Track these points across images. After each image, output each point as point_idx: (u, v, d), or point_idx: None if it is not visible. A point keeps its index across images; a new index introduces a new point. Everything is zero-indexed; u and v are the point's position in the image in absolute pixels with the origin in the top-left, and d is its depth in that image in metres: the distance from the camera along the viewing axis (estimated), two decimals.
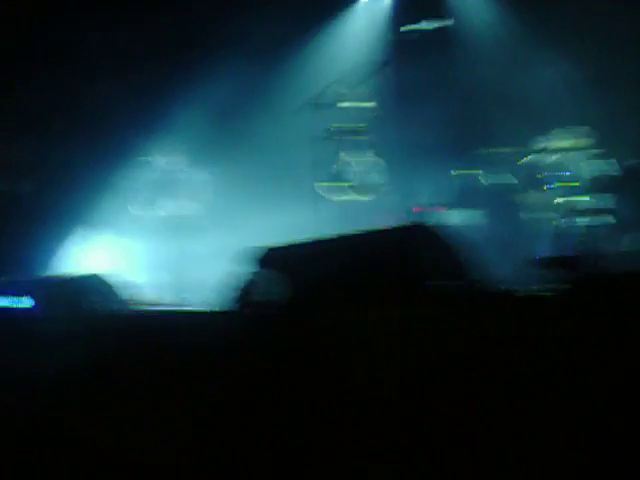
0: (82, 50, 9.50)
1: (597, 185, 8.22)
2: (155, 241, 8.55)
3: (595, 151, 8.43)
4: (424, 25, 6.45)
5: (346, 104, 6.75)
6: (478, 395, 2.97)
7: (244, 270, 4.34)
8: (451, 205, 8.88)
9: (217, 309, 4.91)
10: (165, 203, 8.56)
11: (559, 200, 8.26)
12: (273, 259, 4.67)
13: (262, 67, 10.07)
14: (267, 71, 10.16)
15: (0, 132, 9.80)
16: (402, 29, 6.46)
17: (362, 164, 7.02)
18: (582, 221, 7.97)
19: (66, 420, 4.94)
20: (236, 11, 9.55)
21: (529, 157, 8.66)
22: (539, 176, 8.46)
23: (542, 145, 8.57)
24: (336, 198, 6.76)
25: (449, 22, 6.49)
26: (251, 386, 3.85)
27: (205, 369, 4.19)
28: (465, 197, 8.80)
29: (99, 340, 5.17)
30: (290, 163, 9.22)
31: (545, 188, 8.32)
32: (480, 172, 8.90)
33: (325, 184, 6.34)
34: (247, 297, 4.22)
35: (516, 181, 8.75)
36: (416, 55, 8.45)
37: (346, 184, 6.94)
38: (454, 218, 8.78)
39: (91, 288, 6.17)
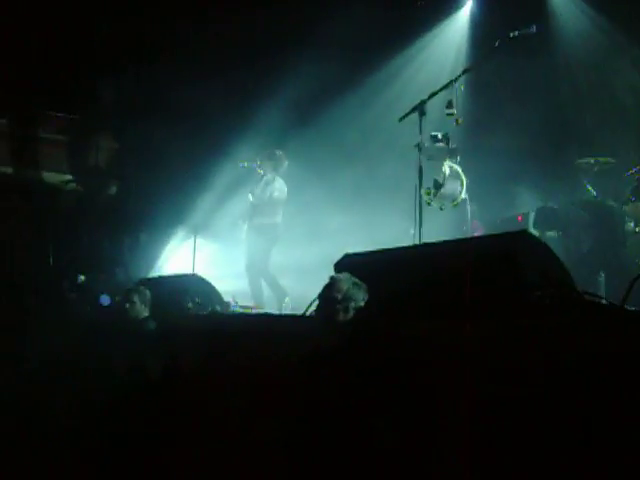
0: (170, 52, 9.70)
1: None
2: (253, 247, 8.57)
3: None
4: (511, 34, 6.33)
5: (447, 112, 6.68)
6: (586, 412, 2.90)
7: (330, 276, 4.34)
8: (552, 216, 8.68)
9: (302, 314, 4.94)
10: (262, 209, 8.55)
11: None
12: (349, 264, 4.66)
13: (357, 76, 10.15)
14: (361, 81, 10.24)
15: (93, 136, 10.17)
16: (497, 40, 6.34)
17: (456, 172, 6.93)
18: None
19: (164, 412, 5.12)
20: (334, 22, 9.61)
21: (635, 168, 8.36)
22: None
23: None
24: (437, 206, 6.69)
25: (532, 30, 6.34)
26: (327, 390, 3.88)
27: (284, 372, 4.26)
28: (553, 219, 8.56)
29: (200, 339, 5.32)
30: (389, 171, 9.24)
31: None
32: (584, 182, 8.67)
33: (426, 192, 6.29)
34: (325, 299, 4.20)
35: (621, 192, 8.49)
36: (510, 62, 8.34)
37: (443, 192, 6.85)
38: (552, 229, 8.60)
39: (193, 287, 6.32)
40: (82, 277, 8.44)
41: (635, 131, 8.92)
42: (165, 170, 9.73)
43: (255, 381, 4.60)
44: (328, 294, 4.13)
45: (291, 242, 8.84)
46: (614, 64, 9.43)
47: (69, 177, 10.01)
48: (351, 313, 4.07)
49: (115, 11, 9.47)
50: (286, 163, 8.63)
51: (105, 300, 7.43)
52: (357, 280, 4.15)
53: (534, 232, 8.53)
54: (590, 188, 8.53)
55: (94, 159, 10.25)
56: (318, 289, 4.28)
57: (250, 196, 8.55)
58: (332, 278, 4.20)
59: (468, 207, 7.10)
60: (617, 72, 9.42)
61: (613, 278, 7.12)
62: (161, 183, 9.63)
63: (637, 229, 8.08)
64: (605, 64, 9.50)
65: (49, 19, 9.19)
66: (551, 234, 8.50)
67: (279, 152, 8.67)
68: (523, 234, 4.10)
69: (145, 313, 6.05)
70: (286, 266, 8.62)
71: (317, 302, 4.29)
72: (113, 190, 10.19)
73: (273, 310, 7.78)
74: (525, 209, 9.15)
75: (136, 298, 6.06)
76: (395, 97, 9.66)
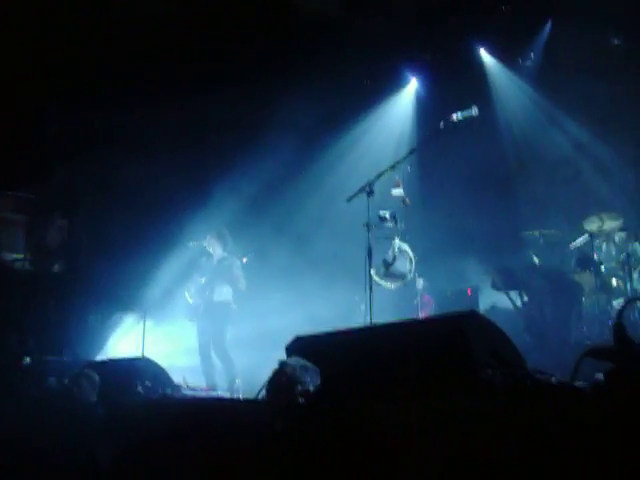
0: (122, 129, 9.75)
1: None
2: (208, 326, 8.49)
3: None
4: (455, 116, 6.52)
5: (393, 192, 6.83)
6: None
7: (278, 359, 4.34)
8: (500, 287, 8.80)
9: (252, 398, 4.89)
10: (215, 288, 8.52)
11: (614, 283, 8.11)
12: (300, 347, 4.65)
13: (306, 156, 10.34)
14: (310, 160, 10.43)
15: (38, 214, 10.09)
16: (441, 122, 6.52)
17: (405, 250, 7.02)
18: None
19: None
20: (279, 103, 9.81)
21: (580, 239, 8.57)
22: (592, 258, 8.32)
23: (593, 226, 8.46)
24: (385, 284, 6.75)
25: (474, 113, 6.55)
26: (275, 475, 3.83)
27: (235, 457, 4.19)
28: (515, 279, 8.68)
29: (151, 424, 5.21)
30: (337, 251, 9.34)
31: (598, 270, 8.14)
32: (529, 254, 8.83)
33: (373, 271, 6.35)
34: (274, 385, 4.19)
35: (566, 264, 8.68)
36: (453, 141, 8.54)
37: (393, 270, 6.92)
38: (503, 301, 8.71)
39: (143, 371, 6.21)
40: (27, 359, 8.22)
41: (578, 203, 9.18)
42: (114, 250, 9.66)
43: (207, 467, 4.51)
44: (277, 379, 4.12)
45: (242, 318, 8.81)
46: (549, 135, 9.79)
47: (19, 255, 9.88)
48: (299, 397, 4.05)
49: (67, 95, 9.53)
50: (231, 239, 8.68)
51: (52, 383, 7.25)
52: (307, 363, 4.14)
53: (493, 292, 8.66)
54: (536, 259, 8.70)
55: (42, 238, 10.14)
56: (268, 369, 4.27)
57: (204, 272, 8.54)
58: (281, 363, 4.19)
59: (418, 283, 7.20)
60: (553, 143, 9.78)
61: (558, 351, 7.21)
62: (110, 263, 9.54)
63: (583, 299, 8.24)
64: (543, 136, 9.87)
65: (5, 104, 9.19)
66: (513, 295, 8.57)
67: (225, 230, 8.72)
68: (472, 313, 4.14)
69: (93, 398, 5.90)
70: (237, 341, 8.55)
71: (267, 384, 4.27)
72: (60, 269, 10.05)
73: (224, 391, 7.68)
74: (474, 281, 9.30)
75: (84, 382, 5.92)
76: (343, 177, 9.85)
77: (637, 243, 8.24)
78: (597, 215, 8.48)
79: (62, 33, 9.20)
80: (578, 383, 3.82)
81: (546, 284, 8.34)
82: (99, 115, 9.61)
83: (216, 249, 8.59)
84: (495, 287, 8.77)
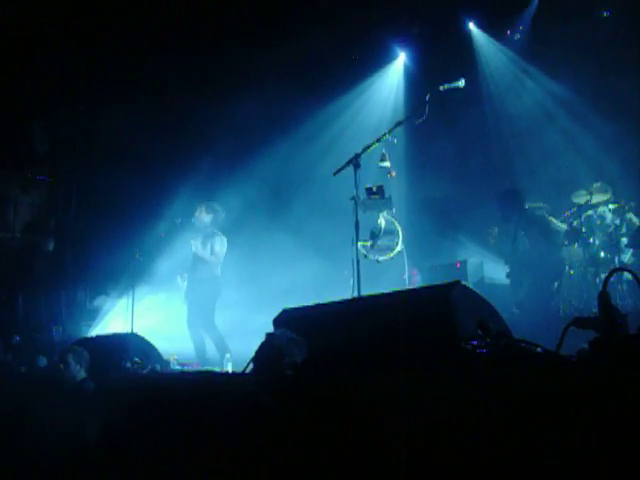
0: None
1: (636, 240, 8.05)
2: (196, 301, 8.46)
3: (633, 205, 8.35)
4: (441, 88, 6.48)
5: (380, 165, 6.81)
6: (516, 461, 2.92)
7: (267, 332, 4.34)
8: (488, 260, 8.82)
9: (242, 371, 4.89)
10: (203, 263, 8.47)
11: (602, 255, 8.13)
12: (288, 320, 4.64)
13: (291, 132, 10.31)
14: (295, 135, 10.39)
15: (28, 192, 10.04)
16: (427, 94, 6.47)
17: (392, 223, 7.01)
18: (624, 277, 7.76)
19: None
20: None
21: (569, 212, 8.58)
22: (581, 231, 8.34)
23: (582, 199, 8.47)
24: (372, 257, 6.75)
25: (460, 84, 6.51)
26: (263, 448, 3.84)
27: (223, 430, 4.20)
28: (502, 252, 8.70)
29: (139, 399, 5.21)
30: (326, 225, 9.33)
31: (586, 243, 8.16)
32: (518, 227, 8.82)
33: (361, 244, 6.34)
34: (261, 358, 4.19)
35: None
36: (442, 114, 8.50)
37: (380, 243, 6.91)
38: (492, 274, 8.73)
39: (132, 346, 6.21)
40: (17, 338, 8.21)
41: (566, 176, 9.18)
42: (102, 227, 9.62)
43: (197, 441, 4.52)
44: (263, 351, 4.12)
45: (231, 304, 8.80)
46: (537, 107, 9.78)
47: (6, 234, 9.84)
48: (286, 369, 4.05)
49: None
50: (223, 215, 8.59)
51: (42, 361, 7.24)
52: (294, 335, 4.14)
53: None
54: (523, 233, 8.70)
55: (29, 215, 10.10)
56: (257, 342, 4.27)
57: (192, 247, 8.45)
58: (267, 335, 4.19)
59: (405, 257, 7.18)
60: (541, 115, 9.77)
61: (546, 322, 7.25)
62: (98, 240, 9.50)
63: (571, 272, 8.27)
64: (531, 108, 9.86)
65: None
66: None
67: (217, 205, 8.62)
68: (457, 284, 4.12)
69: (82, 374, 5.89)
70: (229, 329, 8.53)
71: (254, 357, 4.27)
72: (49, 246, 10.01)
73: (216, 366, 7.69)
74: (463, 255, 9.30)
75: (71, 359, 5.89)
76: (333, 152, 9.81)
77: (631, 213, 8.26)
78: (586, 188, 8.49)
79: None
80: (564, 353, 3.83)
81: (527, 257, 8.37)
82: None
83: (205, 222, 8.50)
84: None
